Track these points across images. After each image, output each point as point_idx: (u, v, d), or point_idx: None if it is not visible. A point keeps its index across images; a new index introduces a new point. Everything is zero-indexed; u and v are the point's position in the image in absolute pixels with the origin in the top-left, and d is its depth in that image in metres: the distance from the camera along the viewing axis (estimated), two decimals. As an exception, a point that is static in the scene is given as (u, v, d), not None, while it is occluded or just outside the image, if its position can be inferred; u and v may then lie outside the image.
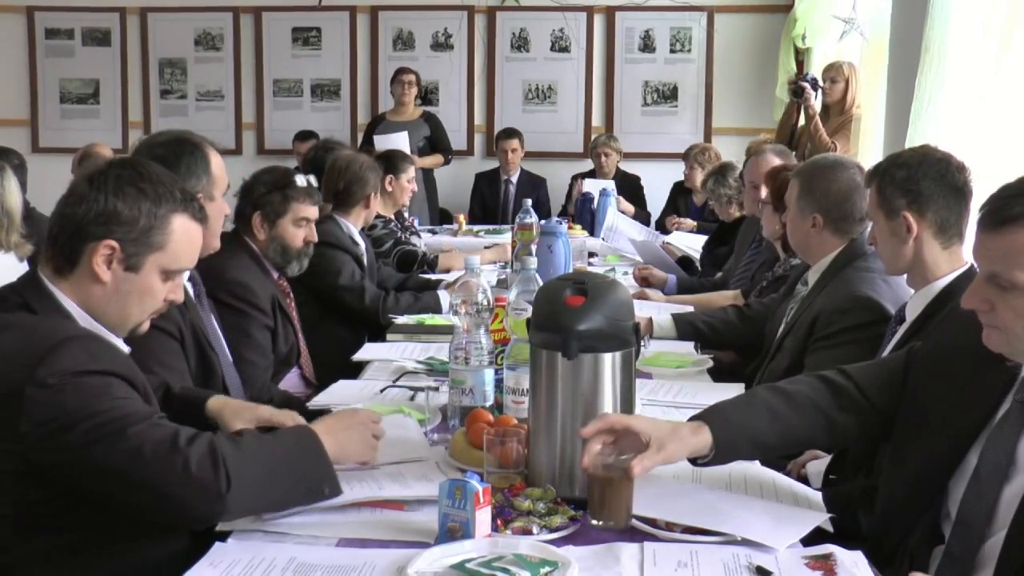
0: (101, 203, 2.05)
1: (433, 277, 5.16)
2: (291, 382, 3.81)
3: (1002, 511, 1.97)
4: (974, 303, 1.99)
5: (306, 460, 2.04)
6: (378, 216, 5.25)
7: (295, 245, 3.68)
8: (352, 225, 4.62)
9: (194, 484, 1.85)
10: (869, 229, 3.00)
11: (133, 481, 1.84)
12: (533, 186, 8.38)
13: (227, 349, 3.07)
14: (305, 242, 3.70)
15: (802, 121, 7.16)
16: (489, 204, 8.49)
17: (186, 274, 2.82)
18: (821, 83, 6.93)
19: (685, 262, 6.04)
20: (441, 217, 8.27)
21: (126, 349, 2.14)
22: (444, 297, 4.48)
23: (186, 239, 2.15)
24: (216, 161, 2.90)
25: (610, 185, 7.39)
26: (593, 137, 8.48)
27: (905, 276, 2.81)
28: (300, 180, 3.70)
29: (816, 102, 6.93)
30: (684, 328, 3.82)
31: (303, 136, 8.56)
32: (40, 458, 1.84)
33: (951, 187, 2.68)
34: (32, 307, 2.04)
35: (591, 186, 7.52)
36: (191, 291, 2.87)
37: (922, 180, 2.68)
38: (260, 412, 2.39)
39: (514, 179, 8.51)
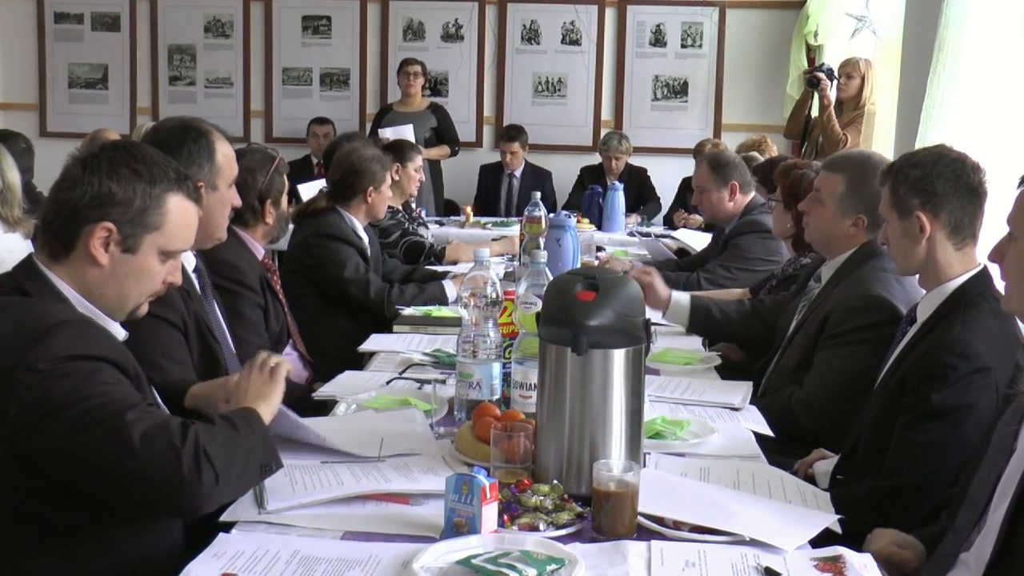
0: (96, 186, 2.03)
1: (440, 269, 5.14)
2: (290, 363, 3.78)
3: (1001, 487, 2.01)
4: (992, 254, 2.20)
5: (258, 440, 2.03)
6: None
7: (287, 213, 3.70)
8: (354, 219, 4.57)
9: (185, 478, 1.83)
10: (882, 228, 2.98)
11: (121, 468, 1.83)
12: (537, 179, 8.34)
13: (231, 341, 3.05)
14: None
15: (815, 112, 7.14)
16: (491, 197, 8.46)
17: (191, 263, 2.82)
18: (836, 77, 6.90)
19: (681, 255, 6.07)
20: (447, 208, 8.26)
21: (123, 334, 2.12)
22: (450, 287, 4.46)
23: (182, 219, 2.13)
24: (223, 151, 2.86)
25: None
26: (604, 135, 8.41)
27: (917, 276, 2.79)
28: (273, 152, 3.70)
29: (831, 93, 6.90)
30: (698, 311, 3.72)
31: (319, 121, 8.68)
32: (30, 443, 1.82)
33: (966, 187, 2.66)
34: (27, 291, 2.02)
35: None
36: (196, 283, 2.85)
37: (936, 180, 2.66)
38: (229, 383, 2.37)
39: (517, 173, 8.48)
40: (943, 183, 2.66)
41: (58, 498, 1.89)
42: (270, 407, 2.16)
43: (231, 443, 1.94)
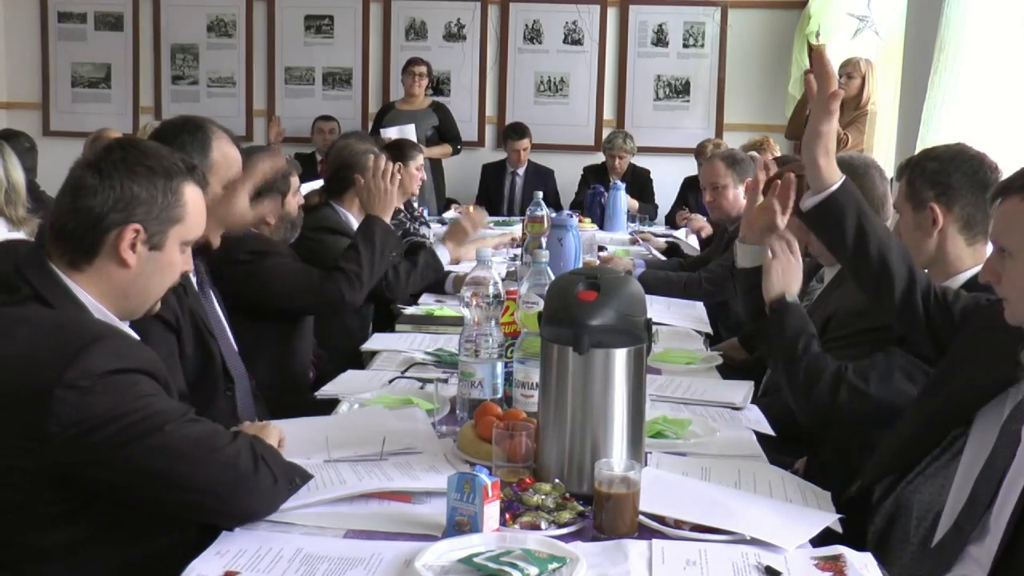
0: (117, 189, 2.03)
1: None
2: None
3: (1005, 487, 2.01)
4: (986, 275, 2.15)
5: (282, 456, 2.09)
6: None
7: (295, 214, 3.72)
8: (348, 212, 4.52)
9: (244, 478, 1.88)
10: (890, 222, 2.98)
11: (176, 475, 1.84)
12: (540, 178, 8.35)
13: (231, 336, 3.05)
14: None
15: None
16: (494, 196, 8.47)
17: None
18: (837, 77, 6.90)
19: (672, 250, 6.10)
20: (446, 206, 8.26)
21: (135, 336, 2.11)
22: (442, 252, 4.46)
23: (197, 208, 2.16)
24: (223, 149, 2.85)
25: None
26: (608, 135, 8.43)
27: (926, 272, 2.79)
28: (283, 153, 3.74)
29: None
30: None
31: (325, 118, 8.76)
32: (66, 458, 1.80)
33: (981, 185, 2.67)
34: (45, 298, 2.00)
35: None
36: (193, 279, 2.85)
37: (953, 174, 2.68)
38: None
39: (520, 171, 8.49)
40: (959, 177, 2.68)
41: (81, 507, 1.88)
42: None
43: (276, 452, 2.01)
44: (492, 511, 1.92)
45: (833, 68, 2.55)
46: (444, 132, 8.39)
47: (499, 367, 2.62)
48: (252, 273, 3.42)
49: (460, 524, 1.91)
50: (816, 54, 2.55)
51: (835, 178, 2.56)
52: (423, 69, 8.35)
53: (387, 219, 3.76)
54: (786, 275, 2.87)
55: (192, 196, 2.14)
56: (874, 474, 2.39)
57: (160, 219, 2.07)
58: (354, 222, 4.54)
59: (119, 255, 2.03)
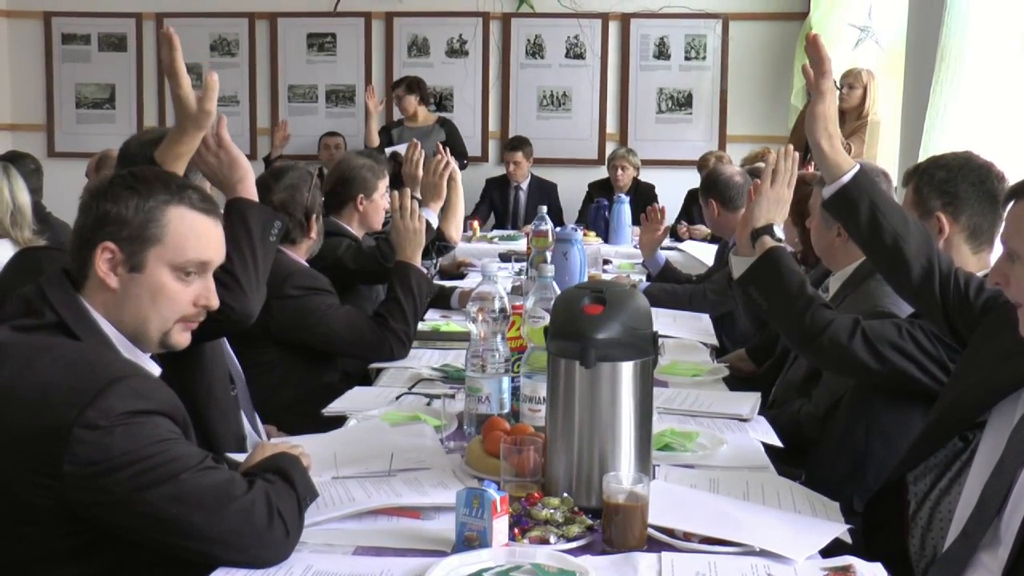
0: (96, 209, 2.03)
1: (447, 284, 5.14)
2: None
3: (1015, 493, 2.00)
4: (994, 277, 2.12)
5: (304, 481, 2.04)
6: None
7: (323, 228, 3.79)
8: (347, 227, 4.50)
9: (259, 532, 1.85)
10: None
11: (191, 524, 1.82)
12: (543, 192, 8.38)
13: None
14: None
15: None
16: (499, 210, 8.49)
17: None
18: (839, 87, 6.91)
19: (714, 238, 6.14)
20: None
21: (157, 370, 2.09)
22: (430, 216, 4.39)
23: (187, 229, 2.07)
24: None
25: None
26: (611, 150, 8.47)
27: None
28: (310, 169, 3.83)
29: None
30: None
31: (330, 134, 8.86)
32: (79, 497, 1.79)
33: (988, 194, 2.68)
34: (70, 328, 1.98)
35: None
36: None
37: (960, 183, 2.69)
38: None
39: (524, 185, 8.52)
40: (967, 187, 2.69)
41: (94, 542, 1.87)
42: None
43: (291, 496, 1.95)
44: (501, 526, 1.92)
45: (826, 52, 2.52)
46: (451, 148, 8.40)
47: (506, 382, 2.62)
48: (301, 310, 3.45)
49: (469, 539, 1.92)
50: (810, 40, 2.54)
51: (844, 166, 2.54)
52: (400, 91, 8.40)
53: (417, 261, 3.68)
54: (774, 206, 2.90)
55: (178, 217, 2.06)
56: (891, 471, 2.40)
57: (133, 238, 2.02)
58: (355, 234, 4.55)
59: (99, 276, 2.02)
